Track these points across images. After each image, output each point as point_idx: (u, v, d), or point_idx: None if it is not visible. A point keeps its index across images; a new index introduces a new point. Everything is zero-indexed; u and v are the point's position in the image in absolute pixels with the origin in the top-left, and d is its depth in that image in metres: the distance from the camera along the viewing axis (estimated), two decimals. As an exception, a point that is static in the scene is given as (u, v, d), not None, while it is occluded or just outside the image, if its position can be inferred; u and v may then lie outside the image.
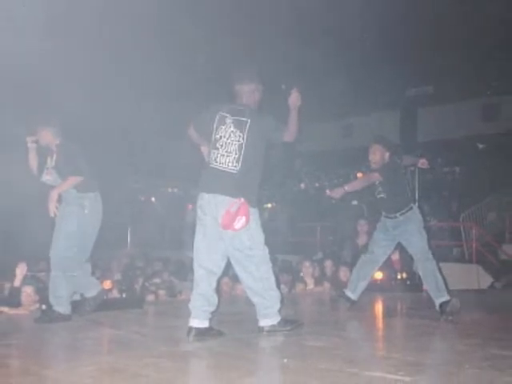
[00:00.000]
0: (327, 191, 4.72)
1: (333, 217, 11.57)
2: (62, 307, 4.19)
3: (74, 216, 4.21)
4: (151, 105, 11.30)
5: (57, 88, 8.54)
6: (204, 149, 3.82)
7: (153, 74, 9.95)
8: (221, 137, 3.63)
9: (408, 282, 6.97)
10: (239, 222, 3.49)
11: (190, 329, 3.54)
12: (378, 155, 4.77)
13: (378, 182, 4.76)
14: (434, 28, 8.87)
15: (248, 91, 3.73)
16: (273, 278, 3.70)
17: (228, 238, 3.56)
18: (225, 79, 4.16)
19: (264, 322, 3.69)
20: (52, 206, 4.10)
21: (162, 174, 15.42)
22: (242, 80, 3.76)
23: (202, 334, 3.53)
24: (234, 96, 3.76)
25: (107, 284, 5.94)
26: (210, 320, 3.61)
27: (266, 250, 3.68)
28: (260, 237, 3.64)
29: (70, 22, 8.10)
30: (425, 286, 5.42)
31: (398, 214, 4.73)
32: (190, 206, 12.96)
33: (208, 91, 8.84)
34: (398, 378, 2.69)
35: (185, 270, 7.69)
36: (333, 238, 10.93)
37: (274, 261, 4.20)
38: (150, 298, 6.03)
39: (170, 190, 16.90)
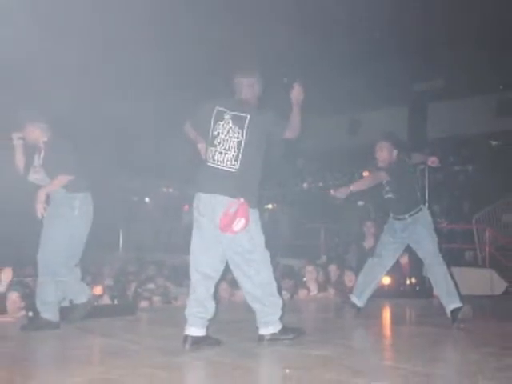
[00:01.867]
0: (331, 191, 4.73)
1: (337, 218, 11.56)
2: (50, 314, 4.18)
3: (63, 218, 4.21)
4: (145, 100, 11.29)
5: (46, 82, 8.53)
6: (201, 146, 3.81)
7: (147, 70, 9.94)
8: (219, 133, 3.63)
9: (417, 288, 6.99)
10: (238, 224, 3.49)
11: (186, 337, 3.54)
12: (385, 153, 4.79)
13: (385, 182, 4.77)
14: (445, 16, 8.86)
15: (248, 85, 3.73)
16: (274, 284, 3.71)
17: (226, 240, 3.56)
18: (223, 74, 4.16)
19: (264, 330, 3.69)
20: (39, 207, 4.11)
21: (157, 173, 15.40)
22: (241, 73, 3.76)
23: (198, 342, 3.53)
24: (233, 90, 3.76)
25: (98, 290, 5.96)
26: (208, 328, 3.61)
27: (267, 254, 3.68)
28: (260, 239, 3.65)
29: (59, 12, 8.09)
30: (435, 292, 5.44)
31: (406, 215, 4.75)
32: (187, 207, 12.96)
33: (205, 88, 8.82)
34: (407, 389, 2.70)
35: (180, 275, 7.70)
36: (337, 240, 10.94)
37: (275, 265, 4.21)
38: (144, 304, 6.04)
39: (164, 189, 16.87)
